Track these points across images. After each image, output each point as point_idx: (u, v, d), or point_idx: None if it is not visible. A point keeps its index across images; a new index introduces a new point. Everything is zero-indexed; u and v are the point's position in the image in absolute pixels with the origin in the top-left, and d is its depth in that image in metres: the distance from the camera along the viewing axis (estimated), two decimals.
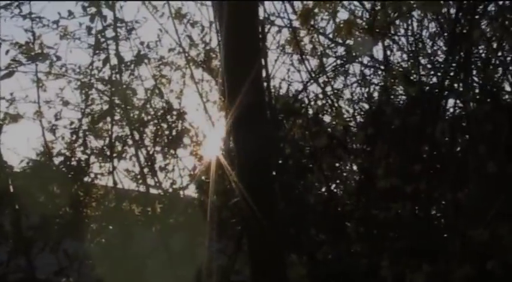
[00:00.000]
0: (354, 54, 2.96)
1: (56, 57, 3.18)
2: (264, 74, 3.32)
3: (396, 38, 3.95)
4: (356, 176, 3.42)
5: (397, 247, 2.73)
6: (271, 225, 1.71)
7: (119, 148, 3.39)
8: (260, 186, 1.66)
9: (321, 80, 3.31)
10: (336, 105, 3.36)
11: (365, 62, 3.88)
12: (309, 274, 2.78)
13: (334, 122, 3.06)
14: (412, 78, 3.60)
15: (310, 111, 3.22)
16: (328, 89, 3.27)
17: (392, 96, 3.95)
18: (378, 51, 3.85)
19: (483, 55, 3.74)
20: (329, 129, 3.14)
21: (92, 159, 3.36)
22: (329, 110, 3.20)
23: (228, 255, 2.66)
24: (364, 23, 2.87)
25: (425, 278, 2.51)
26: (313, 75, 3.06)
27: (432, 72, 3.82)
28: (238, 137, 1.70)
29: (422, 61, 3.99)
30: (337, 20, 2.81)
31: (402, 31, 3.85)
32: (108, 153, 3.27)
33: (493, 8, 3.69)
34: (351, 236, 3.01)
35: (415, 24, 4.06)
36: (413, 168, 3.12)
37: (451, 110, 3.83)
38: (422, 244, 2.73)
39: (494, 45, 3.69)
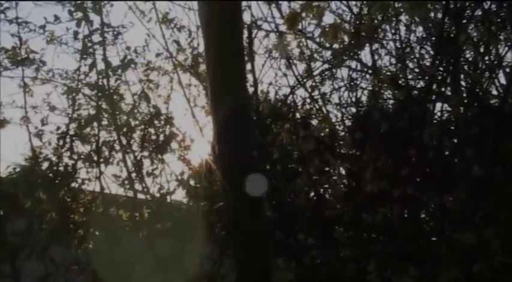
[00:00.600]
0: (340, 58, 2.96)
1: (41, 62, 3.16)
2: (251, 78, 3.33)
3: (384, 42, 3.98)
4: (344, 180, 3.42)
5: (385, 251, 2.72)
6: (256, 230, 1.70)
7: (106, 153, 3.37)
8: (245, 190, 1.65)
9: (308, 85, 3.30)
10: (324, 109, 3.36)
11: (353, 66, 3.90)
12: (296, 279, 2.77)
13: (321, 126, 3.05)
14: (399, 82, 3.61)
15: (298, 116, 3.21)
16: (316, 93, 3.26)
17: (380, 101, 3.96)
18: (366, 56, 3.88)
19: (471, 59, 3.76)
20: (316, 134, 3.13)
21: (79, 164, 3.34)
22: (316, 114, 3.19)
23: (213, 260, 2.65)
24: (351, 27, 2.87)
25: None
26: (300, 79, 3.05)
27: (420, 77, 3.83)
28: (223, 140, 1.70)
29: (410, 65, 4.01)
30: (324, 24, 2.80)
31: (390, 35, 3.88)
32: (95, 158, 3.25)
33: (480, 13, 3.72)
34: (339, 240, 3.00)
35: (402, 28, 4.11)
36: (401, 172, 3.13)
37: (439, 113, 3.88)
38: (409, 248, 2.73)
39: (481, 49, 3.72)
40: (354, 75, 3.94)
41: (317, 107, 3.25)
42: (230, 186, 1.69)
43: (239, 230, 1.73)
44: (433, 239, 2.74)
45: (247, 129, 1.72)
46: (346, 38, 2.90)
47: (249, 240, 1.72)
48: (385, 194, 2.99)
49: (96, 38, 3.15)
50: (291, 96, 3.16)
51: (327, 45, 3.36)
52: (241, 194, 1.69)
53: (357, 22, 2.79)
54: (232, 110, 1.67)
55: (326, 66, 3.51)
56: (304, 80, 3.07)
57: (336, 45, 3.07)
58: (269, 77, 3.88)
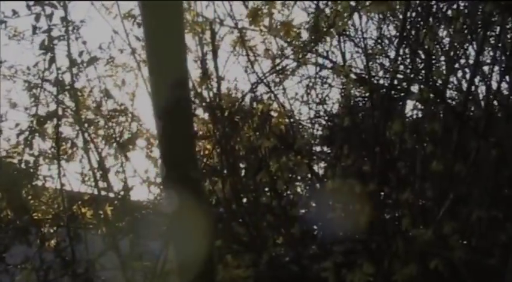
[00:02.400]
0: (302, 53, 2.94)
1: None
2: (214, 74, 3.31)
3: (355, 39, 3.98)
4: (308, 177, 3.41)
5: (341, 249, 2.72)
6: (197, 225, 1.68)
7: (68, 150, 3.34)
8: (183, 184, 1.63)
9: (272, 81, 3.29)
10: (289, 106, 3.35)
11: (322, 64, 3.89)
12: (254, 276, 2.76)
13: (277, 122, 3.04)
14: (366, 78, 3.60)
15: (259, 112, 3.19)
16: (278, 89, 3.25)
17: (348, 98, 3.96)
18: (336, 53, 3.87)
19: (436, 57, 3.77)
20: (277, 130, 3.11)
21: (40, 161, 3.30)
22: (277, 111, 3.18)
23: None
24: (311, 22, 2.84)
25: (367, 278, 2.49)
26: (261, 76, 3.04)
27: (387, 75, 3.83)
28: (162, 133, 1.68)
29: (379, 62, 4.02)
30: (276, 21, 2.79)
31: (360, 32, 3.88)
32: (56, 154, 3.21)
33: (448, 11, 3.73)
34: (298, 238, 2.99)
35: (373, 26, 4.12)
36: (363, 169, 3.13)
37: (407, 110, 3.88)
38: (367, 244, 2.72)
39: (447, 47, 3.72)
40: (322, 72, 3.97)
41: (279, 103, 3.23)
42: (169, 179, 1.68)
43: (179, 224, 1.71)
44: (391, 235, 2.72)
45: (187, 121, 1.70)
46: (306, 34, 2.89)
47: (189, 235, 1.70)
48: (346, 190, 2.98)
49: (56, 33, 3.10)
50: (251, 92, 3.14)
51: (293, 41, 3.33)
52: (181, 187, 1.68)
53: (316, 16, 2.76)
54: (171, 102, 1.65)
55: (292, 62, 3.48)
56: (265, 76, 3.04)
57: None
58: (234, 73, 3.85)
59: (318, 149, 4.33)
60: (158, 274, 2.50)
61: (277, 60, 3.33)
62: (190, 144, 1.74)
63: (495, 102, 3.40)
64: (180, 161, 1.70)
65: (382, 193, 3.13)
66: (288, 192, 3.43)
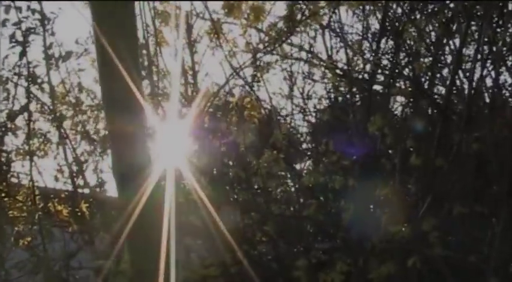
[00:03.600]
0: (276, 44, 2.86)
1: None
2: (191, 67, 3.24)
3: (339, 34, 3.90)
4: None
5: (321, 246, 2.64)
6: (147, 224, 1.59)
7: (42, 145, 3.26)
8: (129, 179, 1.55)
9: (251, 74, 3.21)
10: (258, 98, 3.26)
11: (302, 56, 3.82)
12: (229, 274, 2.68)
13: (250, 115, 2.95)
14: (347, 72, 3.52)
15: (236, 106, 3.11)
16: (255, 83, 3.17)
17: (331, 92, 3.90)
18: (316, 45, 3.80)
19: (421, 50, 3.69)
20: (252, 125, 3.03)
21: (13, 157, 3.22)
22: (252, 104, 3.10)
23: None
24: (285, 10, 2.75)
25: (342, 277, 2.41)
26: (237, 68, 2.96)
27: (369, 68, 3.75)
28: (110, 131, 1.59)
29: (362, 56, 3.94)
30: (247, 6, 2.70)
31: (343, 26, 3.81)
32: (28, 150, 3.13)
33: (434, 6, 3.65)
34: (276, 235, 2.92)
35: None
36: (343, 164, 3.05)
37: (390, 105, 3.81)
38: (343, 242, 2.65)
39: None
40: (305, 66, 3.90)
41: (255, 96, 3.15)
42: (121, 175, 1.60)
43: (133, 221, 1.62)
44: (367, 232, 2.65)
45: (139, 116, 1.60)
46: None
47: (142, 233, 1.62)
48: (323, 187, 2.91)
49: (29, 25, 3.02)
50: (228, 86, 3.06)
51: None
52: (129, 180, 1.59)
53: (291, 6, 2.68)
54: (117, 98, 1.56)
55: (272, 56, 3.40)
56: (242, 69, 2.96)
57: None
58: (211, 66, 3.78)
59: (300, 144, 4.26)
60: (111, 273, 2.41)
61: (254, 53, 3.26)
62: (142, 139, 1.64)
63: (478, 97, 3.32)
64: (130, 158, 1.61)
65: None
66: (268, 188, 3.35)
